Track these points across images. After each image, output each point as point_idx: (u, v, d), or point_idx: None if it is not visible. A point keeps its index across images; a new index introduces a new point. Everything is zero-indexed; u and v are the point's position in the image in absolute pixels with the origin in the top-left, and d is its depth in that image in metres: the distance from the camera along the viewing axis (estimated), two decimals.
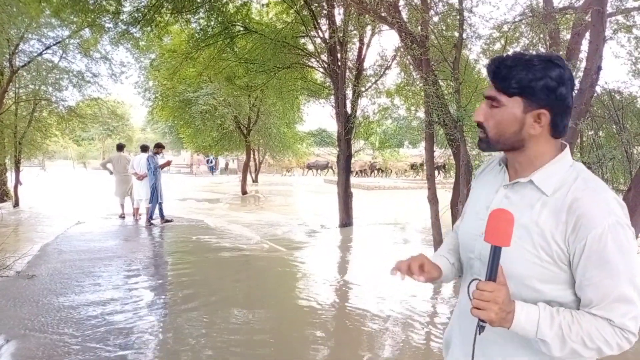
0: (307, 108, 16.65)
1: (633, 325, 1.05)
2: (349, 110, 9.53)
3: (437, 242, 6.36)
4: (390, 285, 5.50)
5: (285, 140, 19.96)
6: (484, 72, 5.39)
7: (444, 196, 6.85)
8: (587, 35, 4.64)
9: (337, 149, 9.92)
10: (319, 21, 9.61)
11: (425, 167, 7.17)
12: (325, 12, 9.37)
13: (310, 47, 10.79)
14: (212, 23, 10.16)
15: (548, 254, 1.11)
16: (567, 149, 1.19)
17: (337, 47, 9.15)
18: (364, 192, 18.84)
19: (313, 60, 10.64)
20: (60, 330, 3.98)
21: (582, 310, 1.09)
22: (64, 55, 12.84)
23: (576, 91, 4.57)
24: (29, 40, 12.11)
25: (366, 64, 9.76)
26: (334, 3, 8.97)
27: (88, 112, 15.04)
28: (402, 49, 7.24)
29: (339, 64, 9.22)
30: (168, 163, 10.53)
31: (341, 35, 8.89)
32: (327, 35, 9.43)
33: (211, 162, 35.25)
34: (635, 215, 3.96)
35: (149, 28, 9.55)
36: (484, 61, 5.96)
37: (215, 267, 6.43)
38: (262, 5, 11.78)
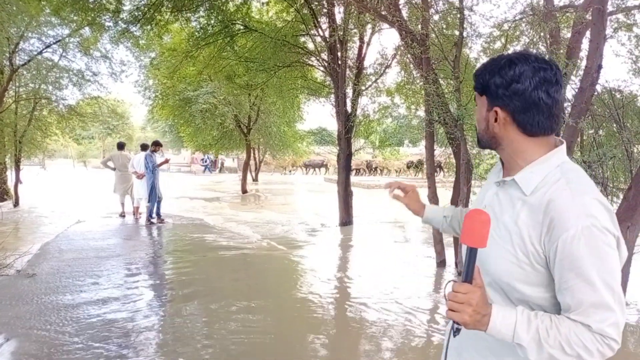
0: (307, 107, 16.65)
1: (614, 332, 1.02)
2: (349, 109, 9.53)
3: (437, 240, 6.36)
4: (391, 283, 5.51)
5: (286, 139, 19.96)
6: None
7: (445, 195, 6.84)
8: (588, 33, 4.63)
9: (337, 147, 9.92)
10: (319, 20, 9.60)
11: (425, 166, 7.16)
12: (325, 10, 9.37)
13: (311, 46, 10.79)
14: (212, 22, 10.15)
15: (525, 254, 1.10)
16: (560, 149, 1.17)
17: (337, 45, 9.15)
18: (364, 191, 18.84)
19: (313, 58, 10.64)
20: (60, 328, 3.98)
21: (562, 316, 1.07)
22: (64, 54, 12.85)
23: (576, 90, 4.57)
24: (29, 39, 12.10)
25: (366, 63, 9.76)
26: (334, 1, 8.96)
27: (88, 111, 15.05)
28: (402, 48, 7.23)
29: (339, 62, 9.22)
30: (166, 161, 10.52)
31: (341, 33, 8.88)
32: (327, 34, 9.43)
33: (206, 161, 35.27)
34: (636, 214, 3.96)
35: (149, 26, 9.55)
36: (485, 59, 5.94)
37: (215, 265, 6.43)
38: (262, 3, 11.77)
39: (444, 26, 6.25)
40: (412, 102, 7.81)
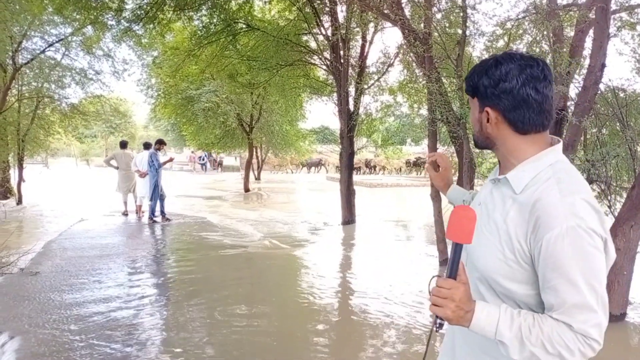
0: (310, 105, 16.62)
1: (595, 333, 1.02)
2: (351, 107, 9.52)
3: (440, 239, 6.35)
4: (394, 282, 5.51)
5: (288, 138, 19.96)
6: None
7: None
8: (591, 32, 4.62)
9: (340, 146, 9.92)
10: (321, 18, 9.60)
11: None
12: (327, 9, 9.35)
13: (313, 45, 10.79)
14: (215, 20, 10.15)
15: (511, 251, 1.11)
16: (554, 148, 1.18)
17: (340, 44, 9.14)
18: (366, 190, 18.84)
19: (315, 57, 10.64)
20: (63, 326, 4.00)
21: (545, 315, 1.07)
22: (66, 53, 12.87)
23: (580, 88, 4.56)
24: (31, 38, 12.13)
25: (369, 61, 9.75)
26: (337, 0, 8.95)
27: (91, 110, 15.08)
28: (404, 46, 7.22)
29: (342, 61, 9.21)
30: (170, 160, 10.54)
31: (344, 32, 8.86)
32: (329, 33, 9.42)
33: (203, 159, 35.37)
34: (639, 213, 3.95)
35: (151, 25, 9.57)
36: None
37: (217, 264, 6.44)
38: (265, 2, 11.77)
39: (447, 24, 6.24)
40: (415, 101, 7.81)
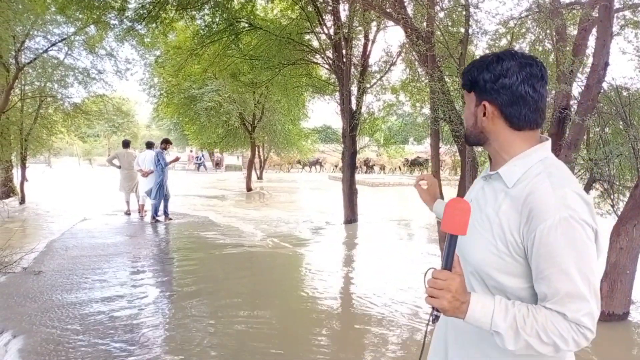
0: (312, 105, 16.63)
1: (588, 322, 1.04)
2: (354, 106, 9.51)
3: (442, 238, 6.34)
4: (396, 281, 5.50)
5: (290, 137, 19.95)
6: None
7: (450, 193, 6.83)
8: (594, 31, 4.60)
9: (342, 145, 9.91)
10: (323, 17, 9.58)
11: (431, 164, 7.15)
12: (330, 8, 9.34)
13: (315, 44, 10.77)
14: (217, 19, 10.15)
15: (504, 244, 1.13)
16: (544, 145, 1.21)
17: (342, 43, 9.12)
18: (368, 189, 18.83)
19: (318, 56, 10.62)
20: (66, 325, 4.01)
21: (539, 305, 1.09)
22: (69, 52, 12.87)
23: (583, 87, 4.54)
24: (34, 37, 12.13)
25: (371, 60, 9.74)
26: None
27: (93, 109, 15.09)
28: (407, 45, 7.21)
29: (344, 60, 9.20)
30: (176, 159, 10.54)
31: (346, 31, 8.85)
32: (332, 32, 9.41)
33: (200, 159, 35.41)
34: None
35: (154, 25, 9.56)
36: None
37: (220, 263, 6.45)
38: (267, 1, 11.76)
39: (450, 23, 6.22)
40: (417, 100, 7.80)
